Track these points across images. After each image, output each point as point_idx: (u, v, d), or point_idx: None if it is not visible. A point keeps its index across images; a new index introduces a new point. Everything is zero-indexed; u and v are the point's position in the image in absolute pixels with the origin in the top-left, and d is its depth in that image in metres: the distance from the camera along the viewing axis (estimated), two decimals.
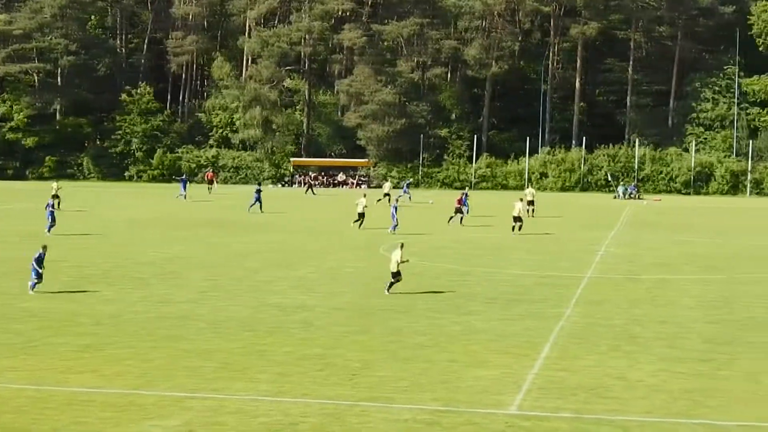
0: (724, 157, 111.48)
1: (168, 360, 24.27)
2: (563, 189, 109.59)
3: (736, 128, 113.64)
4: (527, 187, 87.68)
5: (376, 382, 22.42)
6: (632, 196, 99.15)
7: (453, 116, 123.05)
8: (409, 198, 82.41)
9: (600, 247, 50.74)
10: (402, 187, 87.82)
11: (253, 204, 70.16)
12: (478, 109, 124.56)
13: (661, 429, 19.35)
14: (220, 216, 68.19)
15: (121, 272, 39.54)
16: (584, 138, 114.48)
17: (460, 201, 62.38)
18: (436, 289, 36.21)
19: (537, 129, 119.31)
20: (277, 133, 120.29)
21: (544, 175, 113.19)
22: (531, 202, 68.77)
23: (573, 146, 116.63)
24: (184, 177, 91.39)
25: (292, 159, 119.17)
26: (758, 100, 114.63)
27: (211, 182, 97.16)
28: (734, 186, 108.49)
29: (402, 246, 35.10)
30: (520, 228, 56.30)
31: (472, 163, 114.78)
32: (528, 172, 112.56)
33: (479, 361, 24.73)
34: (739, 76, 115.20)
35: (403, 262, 34.54)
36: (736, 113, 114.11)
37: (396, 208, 57.26)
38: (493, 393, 21.59)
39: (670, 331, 28.94)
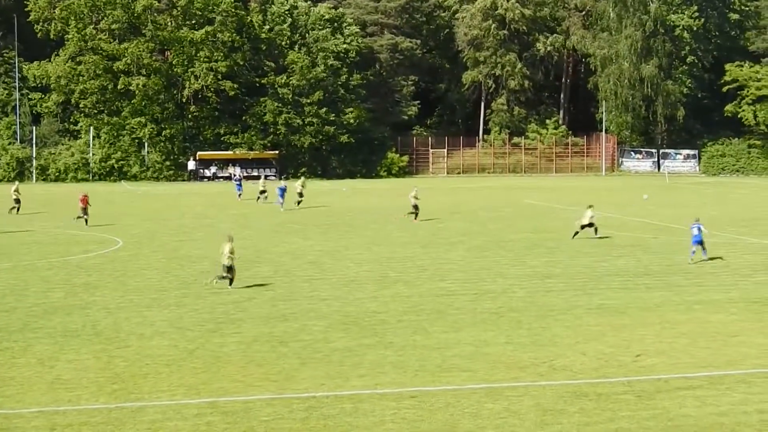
0: (9, 144, 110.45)
1: None
2: None
3: (19, 114, 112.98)
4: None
5: None
6: None
7: None
8: None
9: None
10: None
11: None
12: None
13: None
14: None
15: None
16: None
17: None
18: None
19: None
20: None
21: None
22: None
23: None
24: None
25: None
26: (39, 86, 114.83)
27: None
28: (21, 173, 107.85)
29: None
30: None
31: None
32: None
33: None
34: (19, 62, 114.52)
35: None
36: (18, 99, 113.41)
37: None
38: None
39: None
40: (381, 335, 27.14)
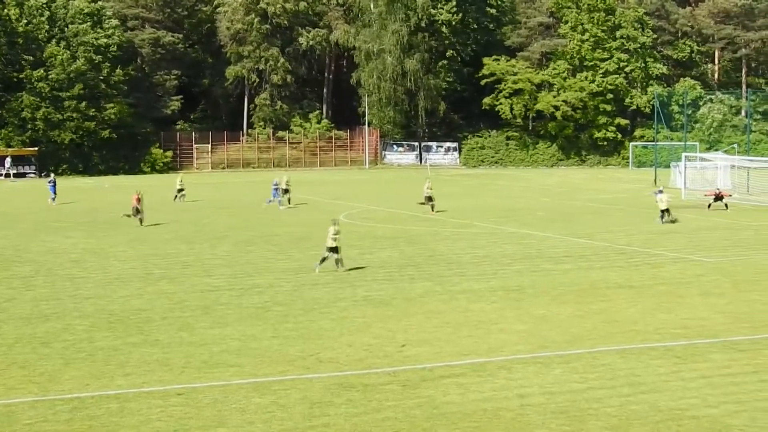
0: None
1: None
2: None
3: None
4: None
5: None
6: None
7: None
8: None
9: None
10: None
11: None
12: None
13: None
14: None
15: None
16: None
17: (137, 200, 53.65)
18: None
19: None
20: None
21: None
22: None
23: None
24: None
25: None
26: None
27: None
28: None
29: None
30: None
31: None
32: None
33: None
34: None
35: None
36: None
37: None
38: None
39: None
40: (146, 333, 26.80)
